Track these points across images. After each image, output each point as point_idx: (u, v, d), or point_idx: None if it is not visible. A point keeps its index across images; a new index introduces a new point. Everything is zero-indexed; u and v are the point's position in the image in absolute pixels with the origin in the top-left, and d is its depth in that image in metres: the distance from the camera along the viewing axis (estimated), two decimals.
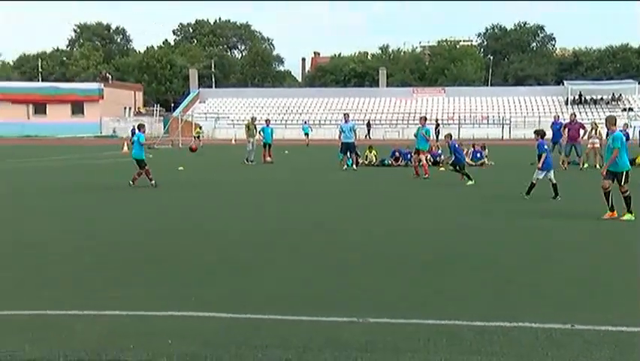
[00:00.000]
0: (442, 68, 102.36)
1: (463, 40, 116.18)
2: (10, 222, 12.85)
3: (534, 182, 15.65)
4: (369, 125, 69.43)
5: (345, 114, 28.37)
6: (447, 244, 10.30)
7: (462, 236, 11.01)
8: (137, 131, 20.40)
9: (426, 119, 24.99)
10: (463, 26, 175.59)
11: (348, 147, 26.36)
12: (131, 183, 19.12)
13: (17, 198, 17.02)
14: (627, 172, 12.60)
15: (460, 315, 6.38)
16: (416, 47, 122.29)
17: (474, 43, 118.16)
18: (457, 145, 21.19)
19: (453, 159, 20.79)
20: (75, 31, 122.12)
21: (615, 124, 13.51)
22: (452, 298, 7.13)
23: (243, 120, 50.56)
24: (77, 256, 9.47)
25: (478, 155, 29.29)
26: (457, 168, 20.54)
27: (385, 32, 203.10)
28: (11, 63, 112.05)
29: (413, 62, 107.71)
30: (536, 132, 16.52)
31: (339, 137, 26.74)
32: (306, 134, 56.42)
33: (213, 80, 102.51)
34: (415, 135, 23.81)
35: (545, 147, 15.96)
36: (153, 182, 19.06)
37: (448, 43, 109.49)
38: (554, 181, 15.67)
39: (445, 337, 5.77)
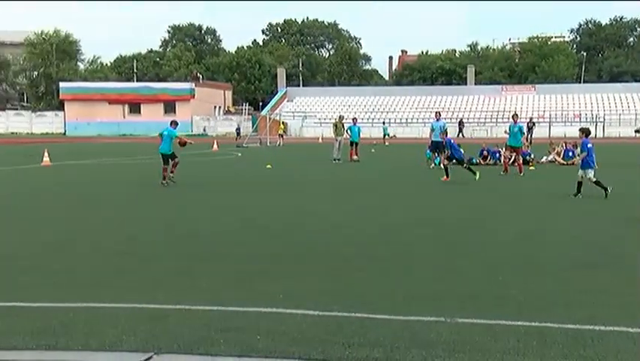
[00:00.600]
0: (532, 65, 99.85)
1: (555, 37, 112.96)
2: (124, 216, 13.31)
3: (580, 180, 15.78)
4: (461, 123, 68.23)
5: (436, 112, 28.09)
6: (542, 247, 10.07)
7: (561, 236, 10.75)
8: (169, 126, 20.23)
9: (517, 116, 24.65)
10: (555, 22, 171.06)
11: (437, 146, 26.11)
12: (163, 182, 19.21)
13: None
14: None
15: (552, 317, 6.23)
16: (506, 44, 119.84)
17: (566, 39, 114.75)
18: (452, 141, 21.01)
19: (449, 154, 20.61)
20: (168, 32, 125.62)
21: None
22: (543, 299, 6.97)
23: (330, 119, 50.84)
24: (170, 250, 9.74)
25: (570, 153, 28.48)
26: (458, 163, 20.41)
27: (474, 29, 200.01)
28: (109, 64, 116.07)
29: (503, 60, 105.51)
30: (581, 130, 16.36)
31: (430, 135, 26.54)
32: (386, 135, 55.33)
33: (301, 78, 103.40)
34: (507, 132, 23.49)
35: (589, 145, 15.69)
36: (166, 182, 19.12)
37: (540, 39, 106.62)
38: (593, 179, 15.63)
39: (535, 339, 5.65)
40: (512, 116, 26.38)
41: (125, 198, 16.59)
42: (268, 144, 51.24)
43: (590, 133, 16.43)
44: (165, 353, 5.45)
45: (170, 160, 19.54)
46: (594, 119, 70.27)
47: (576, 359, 5.21)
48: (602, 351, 5.38)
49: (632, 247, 9.91)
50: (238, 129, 64.05)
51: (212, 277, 8.03)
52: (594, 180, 15.66)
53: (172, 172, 19.55)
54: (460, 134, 63.41)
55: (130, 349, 5.52)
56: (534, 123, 53.82)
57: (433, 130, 26.28)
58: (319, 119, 78.18)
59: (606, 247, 9.98)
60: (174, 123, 20.51)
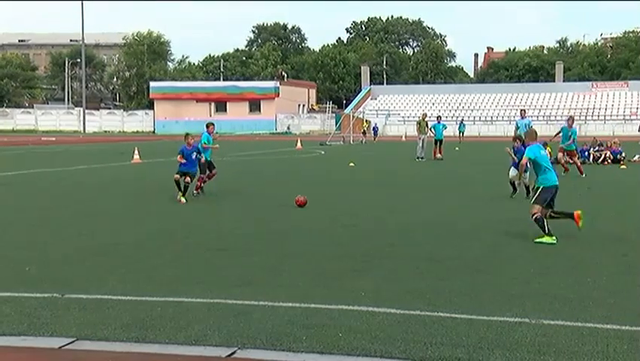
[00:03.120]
0: (626, 61, 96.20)
1: None
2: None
3: None
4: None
5: (521, 110, 27.57)
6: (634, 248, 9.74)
7: None
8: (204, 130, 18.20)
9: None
10: None
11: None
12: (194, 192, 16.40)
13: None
14: None
15: None
16: (598, 40, 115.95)
17: None
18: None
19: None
20: (253, 32, 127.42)
21: None
22: (636, 302, 6.74)
23: (414, 117, 50.57)
24: (260, 247, 9.89)
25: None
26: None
27: (564, 25, 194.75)
28: (197, 64, 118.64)
29: (593, 55, 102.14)
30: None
31: (515, 133, 26.02)
32: (462, 132, 53.72)
33: (384, 76, 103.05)
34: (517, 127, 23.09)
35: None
36: (198, 191, 16.49)
37: (635, 34, 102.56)
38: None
39: (625, 343, 5.48)
40: (520, 111, 25.68)
41: (215, 194, 16.91)
42: (351, 142, 51.31)
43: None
44: (249, 348, 5.55)
45: (208, 169, 17.22)
46: None
47: None
48: None
49: None
50: (375, 128, 62.89)
51: (298, 274, 8.12)
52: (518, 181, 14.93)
53: (205, 182, 16.89)
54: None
55: (214, 343, 5.64)
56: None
57: (517, 128, 25.75)
58: (402, 117, 77.75)
59: None
60: (209, 126, 18.29)
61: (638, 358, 5.17)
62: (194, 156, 15.69)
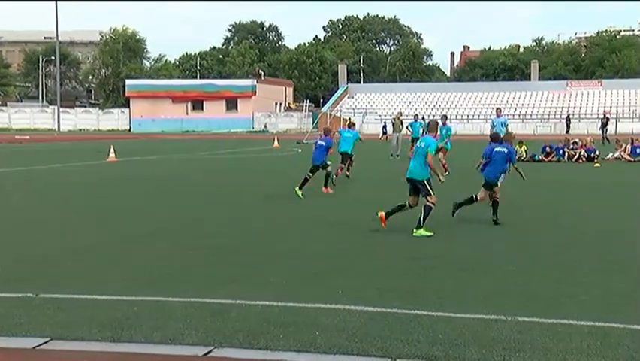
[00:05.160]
0: (599, 60, 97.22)
1: (625, 30, 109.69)
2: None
3: None
4: (568, 119, 65.57)
5: (497, 108, 27.71)
6: (610, 245, 9.86)
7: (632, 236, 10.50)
8: (348, 128, 19.88)
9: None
10: (625, 16, 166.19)
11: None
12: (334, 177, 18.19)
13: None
14: None
15: (618, 318, 6.10)
16: (572, 39, 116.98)
17: (636, 32, 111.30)
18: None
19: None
20: (230, 30, 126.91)
21: None
22: (608, 299, 6.82)
23: (391, 115, 50.63)
24: (240, 247, 9.87)
25: (638, 150, 27.75)
26: None
27: (540, 25, 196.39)
28: (173, 62, 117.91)
29: (568, 54, 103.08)
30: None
31: (490, 131, 26.18)
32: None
33: (362, 75, 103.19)
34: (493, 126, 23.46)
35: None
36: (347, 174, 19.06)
37: (608, 33, 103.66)
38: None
39: (599, 339, 5.53)
40: (496, 110, 25.98)
41: (195, 192, 16.85)
42: None
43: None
44: (225, 346, 5.54)
45: (346, 158, 19.10)
46: None
47: None
48: None
49: None
50: (384, 127, 62.25)
51: (276, 273, 8.11)
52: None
53: (347, 170, 19.37)
54: (567, 132, 60.24)
55: (191, 343, 5.62)
56: (608, 119, 50.68)
57: (493, 126, 25.88)
58: (380, 115, 77.91)
59: None
60: (352, 126, 20.17)
61: (611, 354, 5.23)
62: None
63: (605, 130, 45.25)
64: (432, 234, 10.44)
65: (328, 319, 6.18)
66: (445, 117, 24.12)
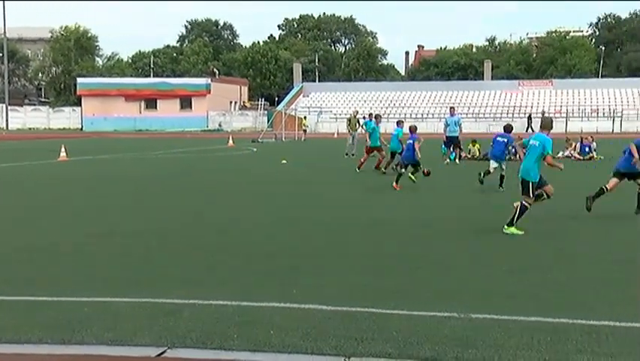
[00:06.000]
0: (550, 60, 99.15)
1: (574, 31, 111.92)
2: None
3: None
4: (530, 118, 66.25)
5: (451, 107, 28.08)
6: (556, 243, 10.03)
7: (584, 233, 10.70)
8: (395, 126, 21.74)
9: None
10: (575, 16, 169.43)
11: (452, 141, 26.06)
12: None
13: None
14: None
15: (567, 313, 6.21)
16: (523, 39, 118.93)
17: (585, 33, 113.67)
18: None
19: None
20: (185, 27, 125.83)
21: None
22: (558, 295, 6.94)
23: (346, 114, 50.82)
24: (193, 245, 9.79)
25: (587, 149, 28.34)
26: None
27: (493, 24, 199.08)
28: (126, 60, 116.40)
29: (520, 54, 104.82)
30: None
31: (444, 130, 26.47)
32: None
33: (317, 74, 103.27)
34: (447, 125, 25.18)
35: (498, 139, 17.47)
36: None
37: (558, 33, 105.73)
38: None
39: (549, 335, 5.63)
40: (450, 109, 26.54)
41: (151, 191, 16.67)
42: (283, 139, 51.28)
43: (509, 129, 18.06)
44: (178, 347, 5.49)
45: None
46: (612, 115, 69.65)
47: (590, 355, 5.19)
48: (617, 347, 5.35)
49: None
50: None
51: (231, 272, 8.09)
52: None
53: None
54: (530, 129, 60.28)
55: (144, 343, 5.56)
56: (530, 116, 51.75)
57: (447, 125, 26.21)
58: (335, 114, 78.09)
59: (624, 244, 9.94)
60: (400, 123, 21.75)
61: (561, 349, 5.32)
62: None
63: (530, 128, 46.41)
64: (522, 232, 10.39)
65: (283, 318, 6.16)
66: (370, 115, 24.64)
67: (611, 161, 26.24)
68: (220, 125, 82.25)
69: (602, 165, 24.31)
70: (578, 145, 29.02)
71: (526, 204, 10.57)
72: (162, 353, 5.39)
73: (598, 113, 72.61)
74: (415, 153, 17.46)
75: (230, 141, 43.24)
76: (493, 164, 17.29)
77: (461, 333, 5.69)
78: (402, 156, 18.09)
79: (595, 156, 27.94)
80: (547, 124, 11.11)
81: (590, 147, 28.37)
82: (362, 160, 22.72)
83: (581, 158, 27.84)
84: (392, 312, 6.30)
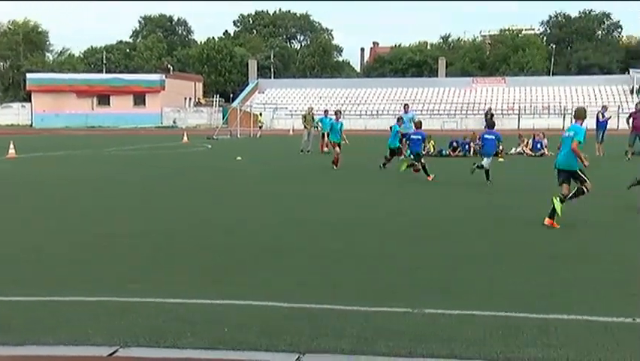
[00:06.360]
0: (503, 57, 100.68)
1: (526, 29, 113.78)
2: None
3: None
4: (488, 115, 66.07)
5: (405, 104, 28.23)
6: (507, 237, 10.18)
7: (522, 227, 10.87)
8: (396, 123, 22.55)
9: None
10: (527, 14, 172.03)
11: (406, 138, 26.17)
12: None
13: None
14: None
15: (517, 307, 6.31)
16: (477, 36, 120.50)
17: (537, 31, 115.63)
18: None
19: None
20: (139, 22, 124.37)
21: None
22: (510, 290, 7.05)
23: (301, 111, 50.83)
24: (146, 244, 9.68)
25: (538, 145, 28.81)
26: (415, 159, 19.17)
27: (447, 21, 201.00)
28: (78, 55, 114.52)
29: (473, 51, 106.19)
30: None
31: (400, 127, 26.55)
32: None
33: (273, 70, 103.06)
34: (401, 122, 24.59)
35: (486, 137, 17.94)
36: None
37: (511, 31, 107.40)
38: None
39: (501, 329, 5.71)
40: (404, 106, 26.88)
41: (105, 190, 16.43)
42: (239, 136, 51.06)
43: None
44: (131, 346, 5.43)
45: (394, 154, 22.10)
46: (562, 112, 70.93)
47: (540, 348, 5.28)
48: (565, 339, 5.46)
49: (594, 237, 10.08)
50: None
51: (186, 270, 8.01)
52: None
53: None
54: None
55: (96, 343, 5.48)
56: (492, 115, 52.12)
57: (402, 122, 26.29)
58: (290, 111, 78.04)
59: (576, 238, 10.14)
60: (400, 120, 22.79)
61: (511, 342, 5.40)
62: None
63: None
64: (558, 226, 10.57)
65: (237, 315, 6.14)
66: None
67: None
68: (174, 121, 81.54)
69: (552, 161, 24.79)
70: (530, 142, 29.48)
71: (584, 188, 10.76)
72: (114, 353, 5.32)
73: (549, 110, 73.90)
74: (421, 147, 18.99)
75: (185, 138, 42.89)
76: (486, 162, 17.52)
77: (415, 328, 5.74)
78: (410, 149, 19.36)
79: (546, 153, 28.41)
80: (580, 114, 11.34)
81: (541, 144, 28.83)
82: (335, 157, 22.30)
83: (533, 154, 28.30)
84: (347, 308, 6.32)
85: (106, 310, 6.32)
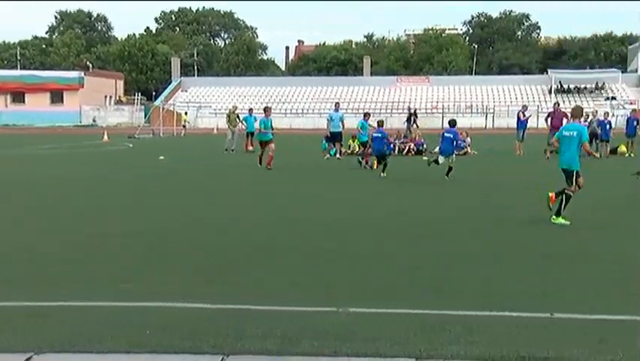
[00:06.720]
0: (427, 57, 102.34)
1: (449, 29, 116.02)
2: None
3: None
4: (414, 114, 66.01)
5: (336, 103, 28.31)
6: (427, 236, 10.29)
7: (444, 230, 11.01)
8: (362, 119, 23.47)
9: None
10: (450, 14, 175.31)
11: (335, 137, 26.24)
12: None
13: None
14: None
15: (441, 305, 6.36)
16: (401, 36, 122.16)
17: (459, 31, 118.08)
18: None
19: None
20: (56, 17, 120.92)
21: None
22: (432, 287, 7.10)
23: (226, 109, 50.41)
24: (73, 251, 9.37)
25: (462, 145, 29.33)
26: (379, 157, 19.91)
27: (371, 20, 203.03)
28: None
29: (398, 50, 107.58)
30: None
31: (327, 126, 26.59)
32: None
33: (196, 68, 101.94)
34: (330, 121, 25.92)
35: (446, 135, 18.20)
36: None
37: (434, 31, 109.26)
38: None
39: (426, 326, 5.74)
40: (335, 104, 27.22)
41: (21, 192, 15.87)
42: (162, 135, 50.24)
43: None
44: (46, 352, 5.21)
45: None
46: (485, 111, 72.61)
47: (464, 345, 5.32)
48: (489, 336, 5.51)
49: (511, 236, 10.30)
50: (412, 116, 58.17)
51: (108, 272, 7.77)
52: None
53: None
54: (415, 125, 60.02)
55: (7, 350, 5.26)
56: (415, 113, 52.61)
57: (331, 120, 26.36)
58: (214, 109, 77.33)
59: (575, 238, 10.33)
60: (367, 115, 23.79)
61: (436, 340, 5.42)
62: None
63: (410, 124, 46.73)
64: (570, 223, 10.64)
65: (160, 318, 6.00)
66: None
67: (485, 155, 27.43)
68: (94, 120, 79.65)
69: (476, 159, 25.34)
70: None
71: (569, 192, 10.94)
72: (28, 359, 5.10)
73: (472, 109, 75.50)
74: (383, 144, 19.54)
75: (105, 137, 41.93)
76: (441, 158, 18.15)
77: (340, 327, 5.71)
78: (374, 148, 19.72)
79: (469, 151, 28.97)
80: (578, 112, 11.64)
81: (464, 142, 29.39)
82: (265, 157, 21.62)
83: (457, 152, 28.77)
84: (272, 308, 6.26)
85: (17, 315, 6.09)
